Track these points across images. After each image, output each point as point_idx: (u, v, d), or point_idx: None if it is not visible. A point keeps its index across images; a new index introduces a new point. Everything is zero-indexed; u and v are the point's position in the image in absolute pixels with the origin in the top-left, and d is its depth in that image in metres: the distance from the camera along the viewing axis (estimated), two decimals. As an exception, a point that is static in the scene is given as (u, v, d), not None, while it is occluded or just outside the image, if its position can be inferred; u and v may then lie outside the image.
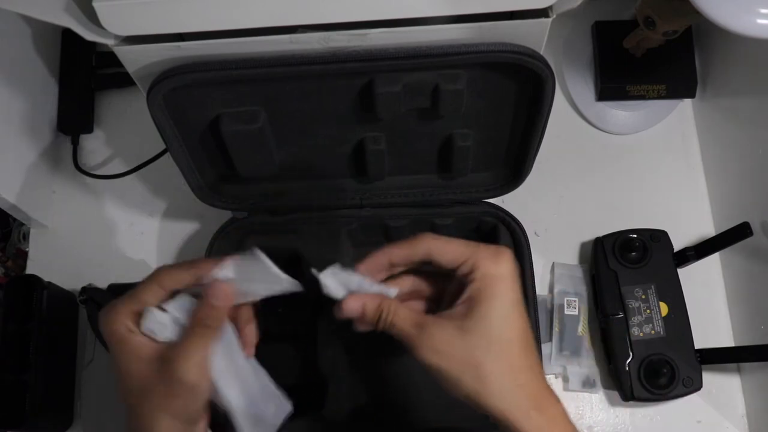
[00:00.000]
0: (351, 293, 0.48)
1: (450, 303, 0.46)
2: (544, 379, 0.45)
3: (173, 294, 0.48)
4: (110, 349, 0.47)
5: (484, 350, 0.43)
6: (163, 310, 0.47)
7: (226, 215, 0.70)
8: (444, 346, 0.43)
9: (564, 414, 0.44)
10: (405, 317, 0.46)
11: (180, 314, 0.47)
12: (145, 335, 0.46)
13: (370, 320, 0.47)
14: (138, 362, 0.45)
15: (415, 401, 0.68)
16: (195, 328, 0.46)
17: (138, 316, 0.46)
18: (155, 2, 0.45)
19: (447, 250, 0.46)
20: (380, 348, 0.65)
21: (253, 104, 0.57)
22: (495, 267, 0.45)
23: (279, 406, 0.50)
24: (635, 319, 0.69)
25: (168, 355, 0.45)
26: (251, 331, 0.51)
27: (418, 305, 0.51)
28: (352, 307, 0.47)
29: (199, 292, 0.48)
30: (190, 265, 0.48)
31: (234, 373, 0.49)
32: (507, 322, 0.44)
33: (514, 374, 0.43)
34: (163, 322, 0.47)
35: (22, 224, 0.79)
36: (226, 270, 0.48)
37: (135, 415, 0.46)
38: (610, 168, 0.80)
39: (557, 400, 0.45)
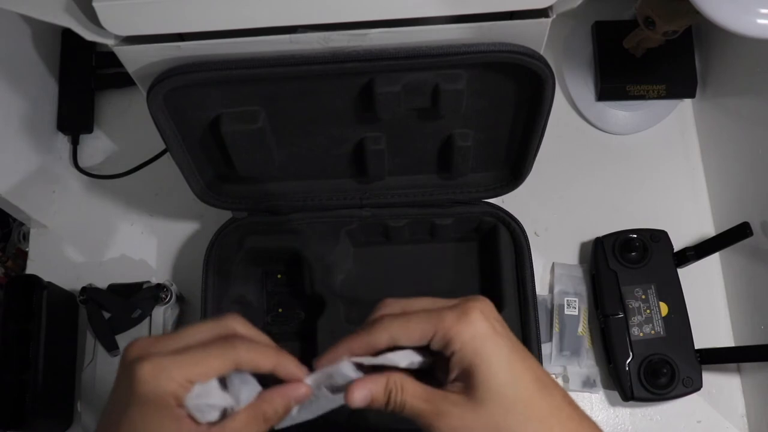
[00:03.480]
0: (353, 381, 0.42)
1: (444, 374, 0.42)
2: (572, 411, 0.42)
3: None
4: (139, 412, 0.38)
5: (504, 415, 0.40)
6: (223, 388, 0.40)
7: (226, 215, 0.70)
8: (462, 422, 0.40)
9: None
10: (415, 394, 0.42)
11: (237, 396, 0.41)
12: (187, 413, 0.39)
13: (380, 405, 0.42)
14: None
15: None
16: (256, 421, 0.40)
17: (191, 385, 0.38)
18: (155, 2, 0.45)
19: (409, 331, 0.41)
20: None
21: (253, 104, 0.57)
22: (468, 329, 0.40)
23: None
24: (635, 319, 0.69)
25: None
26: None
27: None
28: (358, 397, 0.41)
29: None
30: (275, 355, 0.42)
31: None
32: (513, 378, 0.40)
33: (542, 423, 0.41)
34: (218, 405, 0.40)
35: (22, 224, 0.79)
36: (310, 379, 0.42)
37: None
38: (610, 168, 0.80)
39: (589, 425, 0.42)
